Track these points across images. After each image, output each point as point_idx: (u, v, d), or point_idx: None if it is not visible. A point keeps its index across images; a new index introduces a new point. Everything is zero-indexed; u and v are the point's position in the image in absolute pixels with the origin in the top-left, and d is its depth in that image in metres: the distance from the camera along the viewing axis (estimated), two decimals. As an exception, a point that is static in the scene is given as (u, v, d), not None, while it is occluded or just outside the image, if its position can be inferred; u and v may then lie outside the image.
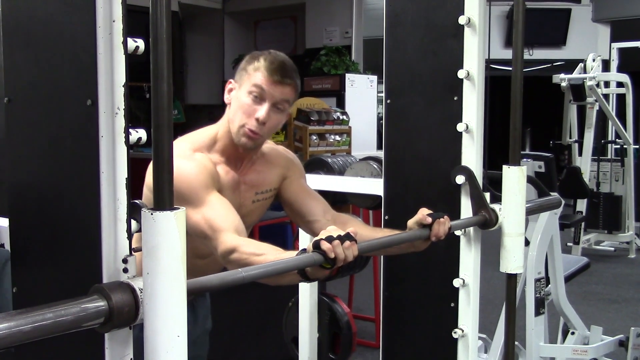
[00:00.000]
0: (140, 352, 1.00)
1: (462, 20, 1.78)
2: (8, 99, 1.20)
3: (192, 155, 1.65)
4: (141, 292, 0.99)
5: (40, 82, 1.16)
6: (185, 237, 0.97)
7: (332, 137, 6.99)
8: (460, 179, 1.80)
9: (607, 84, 6.82)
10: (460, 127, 1.81)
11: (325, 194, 1.93)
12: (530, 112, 3.68)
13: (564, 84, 6.31)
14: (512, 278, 1.85)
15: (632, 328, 3.05)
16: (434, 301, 1.91)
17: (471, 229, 1.82)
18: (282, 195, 1.85)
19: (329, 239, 1.31)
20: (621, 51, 7.14)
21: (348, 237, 1.33)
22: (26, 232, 1.22)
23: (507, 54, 2.13)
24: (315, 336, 2.67)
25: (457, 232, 1.82)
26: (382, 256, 2.01)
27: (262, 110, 1.66)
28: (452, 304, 1.86)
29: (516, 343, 2.38)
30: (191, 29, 10.26)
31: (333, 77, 8.31)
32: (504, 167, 1.79)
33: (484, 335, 2.96)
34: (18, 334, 0.88)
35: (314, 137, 6.77)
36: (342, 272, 2.90)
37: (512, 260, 1.80)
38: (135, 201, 1.07)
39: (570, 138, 6.72)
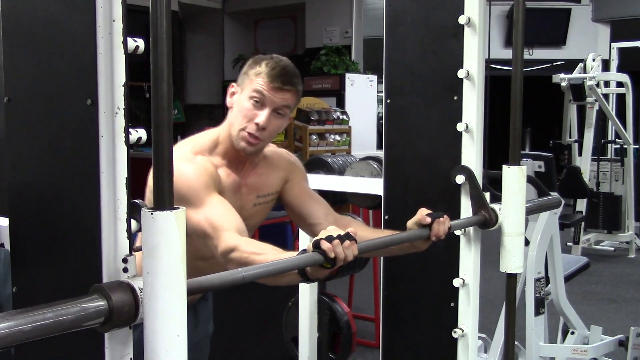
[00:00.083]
0: (140, 352, 1.00)
1: (462, 20, 1.78)
2: (8, 98, 1.20)
3: (193, 158, 1.66)
4: (141, 292, 0.99)
5: (40, 81, 1.16)
6: (185, 237, 0.97)
7: (332, 136, 6.99)
8: (460, 179, 1.80)
9: (607, 84, 6.82)
10: (460, 126, 1.81)
11: (325, 194, 1.93)
12: (530, 112, 3.68)
13: (563, 83, 6.31)
14: (512, 278, 1.85)
15: (632, 328, 3.05)
16: (434, 301, 1.91)
17: (471, 228, 1.82)
18: (284, 199, 1.85)
19: (329, 239, 1.31)
20: (621, 51, 7.14)
21: (348, 236, 1.33)
22: (26, 232, 1.22)
23: (507, 54, 2.13)
24: (315, 336, 2.67)
25: (457, 232, 1.82)
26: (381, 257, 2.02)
27: (262, 116, 1.66)
28: (452, 304, 1.86)
29: (516, 343, 2.38)
30: (191, 29, 10.26)
31: (333, 76, 8.32)
32: (504, 166, 1.79)
33: (483, 335, 2.97)
34: (18, 334, 0.88)
35: (314, 137, 6.77)
36: (342, 271, 2.90)
37: (512, 260, 1.80)
38: (135, 201, 1.07)
39: (570, 138, 6.72)
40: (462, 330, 1.85)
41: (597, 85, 6.19)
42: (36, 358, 1.22)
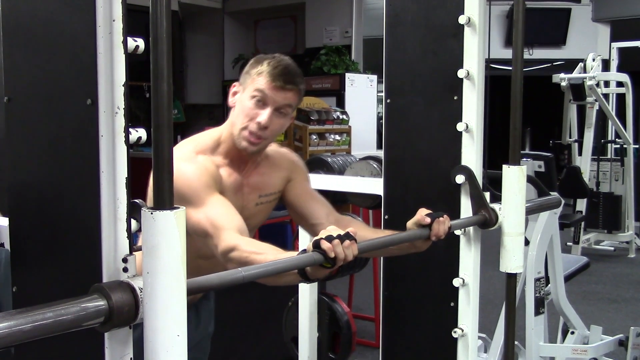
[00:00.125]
0: (140, 352, 1.00)
1: (462, 19, 1.78)
2: (8, 98, 1.20)
3: (194, 157, 1.66)
4: (141, 292, 0.99)
5: (40, 81, 1.16)
6: (185, 237, 0.97)
7: (332, 136, 6.99)
8: (460, 179, 1.80)
9: (607, 84, 6.82)
10: (460, 126, 1.81)
11: (325, 194, 1.93)
12: (530, 111, 3.68)
13: (563, 83, 6.31)
14: (511, 277, 1.85)
15: (632, 327, 3.05)
16: (434, 301, 1.91)
17: (471, 228, 1.82)
18: (285, 198, 1.85)
19: (329, 239, 1.31)
20: (621, 51, 7.14)
21: (348, 236, 1.33)
22: (26, 231, 1.22)
23: (507, 54, 2.13)
24: (315, 336, 2.67)
25: (457, 232, 1.82)
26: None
27: (264, 115, 1.66)
28: (452, 304, 1.86)
29: (516, 343, 2.38)
30: (191, 29, 10.26)
31: (333, 76, 8.31)
32: (504, 166, 1.79)
33: (483, 335, 2.97)
34: (18, 334, 0.88)
35: (314, 137, 6.77)
36: (342, 271, 2.90)
37: (511, 260, 1.80)
38: (135, 200, 1.07)
39: (570, 138, 6.72)
40: (462, 330, 1.85)
41: (597, 85, 6.19)
42: (36, 358, 1.22)
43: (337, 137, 7.04)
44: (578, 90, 6.22)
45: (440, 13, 1.84)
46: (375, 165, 2.50)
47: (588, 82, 6.11)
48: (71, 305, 0.94)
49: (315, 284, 2.67)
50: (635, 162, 6.89)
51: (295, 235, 3.04)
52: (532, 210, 2.34)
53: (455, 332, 1.85)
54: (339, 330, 2.78)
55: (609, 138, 7.05)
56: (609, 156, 6.96)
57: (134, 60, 1.08)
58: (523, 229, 1.82)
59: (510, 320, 1.88)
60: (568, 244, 6.25)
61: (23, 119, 1.20)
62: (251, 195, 1.78)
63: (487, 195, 1.81)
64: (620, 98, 6.90)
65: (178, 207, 0.96)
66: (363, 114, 7.93)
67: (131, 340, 1.06)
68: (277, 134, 1.72)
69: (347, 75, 8.16)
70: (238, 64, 9.53)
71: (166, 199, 0.96)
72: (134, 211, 1.07)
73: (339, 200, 2.73)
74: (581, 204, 6.42)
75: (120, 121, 1.05)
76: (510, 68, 1.78)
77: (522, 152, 2.09)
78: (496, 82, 2.72)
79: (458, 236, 1.84)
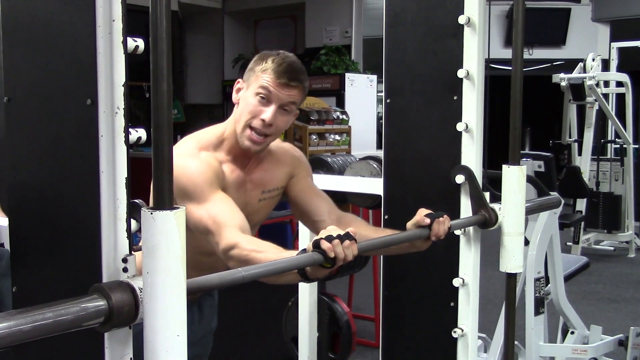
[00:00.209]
0: (141, 352, 1.00)
1: (461, 19, 1.78)
2: (8, 98, 1.20)
3: (197, 153, 1.66)
4: (141, 292, 0.99)
5: (40, 81, 1.16)
6: (185, 237, 0.97)
7: (332, 136, 7.00)
8: (460, 179, 1.80)
9: (606, 84, 6.82)
10: (460, 126, 1.81)
11: (325, 194, 1.93)
12: (530, 111, 3.68)
13: (563, 83, 6.31)
14: (511, 277, 1.85)
15: (632, 327, 3.05)
16: (434, 301, 1.91)
17: (471, 228, 1.82)
18: (288, 194, 1.85)
19: (329, 239, 1.31)
20: (621, 51, 7.14)
21: (348, 236, 1.33)
22: (26, 231, 1.22)
23: (507, 54, 2.13)
24: (315, 335, 2.68)
25: (457, 232, 1.82)
26: (381, 256, 2.02)
27: (268, 112, 1.66)
28: (452, 304, 1.86)
29: (516, 342, 2.38)
30: (191, 29, 10.26)
31: (333, 76, 8.32)
32: (504, 166, 1.79)
33: (483, 335, 2.97)
34: (18, 334, 0.88)
35: (314, 137, 6.77)
36: (342, 271, 2.90)
37: (511, 260, 1.81)
38: (135, 200, 1.07)
39: (570, 137, 6.72)
40: (462, 330, 1.85)
41: (597, 85, 6.19)
42: (36, 358, 1.22)
43: (337, 137, 7.05)
44: (578, 90, 6.22)
45: (440, 13, 1.84)
46: (375, 165, 2.50)
47: (588, 82, 6.11)
48: (71, 305, 0.94)
49: (315, 284, 2.67)
50: (635, 162, 6.89)
51: (295, 235, 3.04)
52: (532, 210, 2.34)
53: (455, 332, 1.85)
54: (339, 330, 2.78)
55: (609, 138, 7.05)
56: (608, 156, 6.96)
57: (133, 60, 1.08)
58: (523, 229, 1.82)
59: (510, 320, 1.88)
60: (568, 243, 6.25)
61: (23, 119, 1.20)
62: (254, 191, 1.78)
63: (487, 195, 1.81)
64: (620, 98, 6.90)
65: (178, 207, 0.96)
66: (363, 114, 7.93)
67: (131, 341, 1.06)
68: (281, 131, 1.72)
69: (347, 75, 8.17)
70: (238, 64, 9.54)
71: (166, 199, 0.96)
72: (133, 211, 1.07)
73: (339, 200, 2.73)
74: (581, 204, 6.43)
75: (120, 121, 1.05)
76: (510, 68, 1.78)
77: (522, 152, 2.09)
78: (496, 82, 2.72)
79: (458, 236, 1.84)
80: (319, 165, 2.70)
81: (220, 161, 1.70)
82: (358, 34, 9.28)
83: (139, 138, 1.10)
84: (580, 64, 6.35)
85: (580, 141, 6.62)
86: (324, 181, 2.48)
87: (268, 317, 3.29)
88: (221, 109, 9.93)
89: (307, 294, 2.65)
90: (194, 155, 1.64)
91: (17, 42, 1.18)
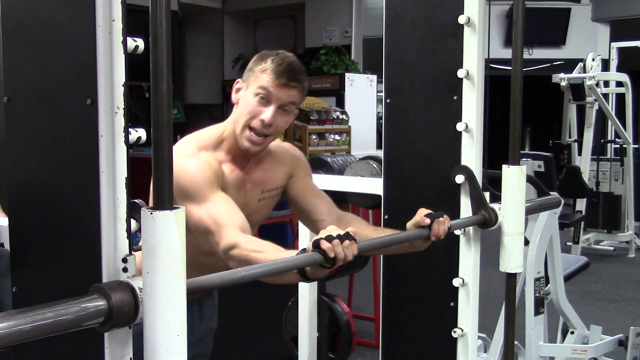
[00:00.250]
0: (140, 352, 1.00)
1: (461, 19, 1.78)
2: (8, 98, 1.20)
3: (197, 153, 1.66)
4: (141, 292, 0.99)
5: (40, 81, 1.16)
6: (185, 237, 0.97)
7: (332, 136, 6.99)
8: (459, 179, 1.80)
9: (606, 84, 6.82)
10: (459, 126, 1.81)
11: (324, 193, 1.93)
12: (529, 111, 3.68)
13: (563, 83, 6.31)
14: (511, 277, 1.85)
15: (632, 327, 3.05)
16: (434, 301, 1.91)
17: (471, 228, 1.82)
18: (288, 194, 1.85)
19: (329, 238, 1.31)
20: (621, 51, 7.14)
21: (347, 236, 1.33)
22: (26, 231, 1.22)
23: (507, 54, 2.13)
24: (315, 335, 2.68)
25: (457, 232, 1.82)
26: (381, 255, 2.02)
27: (267, 113, 1.66)
28: (452, 304, 1.86)
29: (516, 342, 2.38)
30: (191, 29, 10.26)
31: (333, 76, 8.32)
32: (504, 166, 1.79)
33: (483, 335, 2.97)
34: (18, 334, 0.88)
35: (314, 137, 6.77)
36: (342, 271, 2.90)
37: (511, 260, 1.81)
38: (135, 200, 1.07)
39: (570, 137, 6.72)
40: (462, 330, 1.85)
41: (597, 84, 6.19)
42: (36, 358, 1.22)
43: (337, 137, 7.04)
44: (578, 90, 6.22)
45: (440, 13, 1.84)
46: (375, 165, 2.50)
47: (588, 82, 6.11)
48: (71, 305, 0.94)
49: (315, 284, 2.67)
50: (635, 162, 6.89)
51: (295, 235, 3.04)
52: (531, 210, 2.33)
53: (455, 332, 1.85)
54: (339, 330, 2.78)
55: (609, 138, 7.05)
56: (608, 156, 6.96)
57: (133, 60, 1.08)
58: (523, 229, 1.82)
59: (510, 320, 1.88)
60: (568, 243, 6.25)
61: (23, 119, 1.20)
62: (254, 191, 1.78)
63: (487, 195, 1.81)
64: (620, 98, 6.90)
65: (178, 207, 0.96)
66: (363, 114, 7.93)
67: (131, 340, 1.06)
68: (280, 131, 1.72)
69: (347, 75, 8.17)
70: (238, 63, 9.54)
71: (166, 199, 0.96)
72: (133, 211, 1.07)
73: (339, 200, 2.73)
74: (581, 204, 6.43)
75: (120, 121, 1.05)
76: (510, 68, 1.78)
77: (521, 152, 2.09)
78: (496, 82, 2.72)
79: (458, 236, 1.84)
80: (319, 165, 2.70)
81: (220, 161, 1.70)
82: (358, 34, 9.28)
83: (139, 138, 1.10)
84: (580, 64, 6.35)
85: (580, 141, 6.62)
86: (324, 181, 2.48)
87: (268, 317, 3.29)
88: (221, 109, 9.93)
89: (307, 294, 2.65)
90: (193, 155, 1.64)
91: (17, 42, 1.18)
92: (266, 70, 1.66)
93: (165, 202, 0.95)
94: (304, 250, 1.33)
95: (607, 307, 4.90)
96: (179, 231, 0.96)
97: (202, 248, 1.62)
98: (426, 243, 1.64)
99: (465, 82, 1.80)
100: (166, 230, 0.95)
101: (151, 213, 0.95)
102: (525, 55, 2.41)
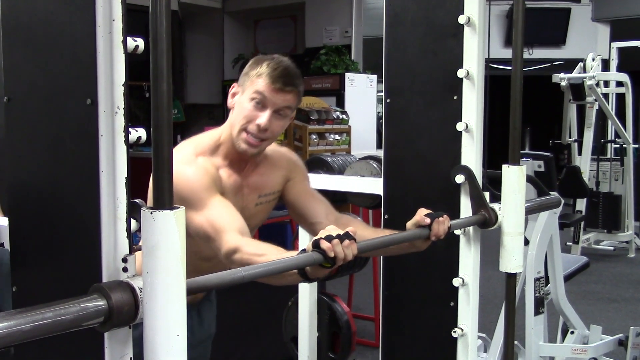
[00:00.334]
0: (141, 351, 1.00)
1: (461, 19, 1.78)
2: (8, 98, 1.20)
3: (194, 159, 1.66)
4: (141, 291, 0.99)
5: (40, 81, 1.16)
6: (185, 237, 0.97)
7: (332, 136, 6.99)
8: (459, 179, 1.80)
9: (606, 84, 6.82)
10: (459, 126, 1.81)
11: (324, 193, 1.93)
12: (530, 111, 3.68)
13: (563, 83, 6.31)
14: (511, 277, 1.85)
15: (632, 327, 3.05)
16: (434, 300, 1.91)
17: (471, 228, 1.82)
18: (285, 197, 1.86)
19: (328, 238, 1.31)
20: (621, 50, 7.14)
21: (347, 235, 1.33)
22: (26, 231, 1.22)
23: (507, 54, 2.13)
24: (315, 335, 2.67)
25: (457, 232, 1.82)
26: (381, 256, 2.02)
27: (263, 117, 1.66)
28: (452, 304, 1.86)
29: (516, 342, 2.38)
30: (191, 28, 10.26)
31: (333, 76, 8.32)
32: (504, 166, 1.79)
33: (483, 335, 2.97)
34: (18, 333, 0.88)
35: (314, 137, 6.77)
36: (342, 271, 2.90)
37: (511, 260, 1.81)
38: (135, 200, 1.07)
39: (570, 137, 6.72)
40: (462, 330, 1.85)
41: (597, 84, 6.19)
42: (36, 358, 1.22)
43: (337, 137, 7.04)
44: (578, 90, 6.22)
45: (440, 13, 1.84)
46: (375, 165, 2.50)
47: (588, 82, 6.11)
48: (71, 305, 0.94)
49: (315, 284, 2.67)
50: (635, 162, 6.89)
51: (295, 235, 3.04)
52: (531, 210, 2.34)
53: (455, 331, 1.85)
54: (339, 330, 2.78)
55: (609, 138, 7.05)
56: (608, 156, 6.96)
57: (133, 60, 1.08)
58: (523, 229, 1.82)
59: (510, 320, 1.88)
60: (568, 243, 6.25)
61: (23, 119, 1.20)
62: (251, 195, 1.78)
63: (487, 195, 1.81)
64: (620, 98, 6.90)
65: (178, 207, 0.96)
66: (363, 114, 7.93)
67: (131, 340, 1.06)
68: (276, 135, 1.72)
69: (347, 75, 8.17)
70: (238, 63, 9.54)
71: (166, 199, 0.96)
72: (133, 211, 1.07)
73: (339, 200, 2.73)
74: (581, 204, 6.43)
75: (120, 121, 1.05)
76: (510, 68, 1.78)
77: (521, 151, 2.09)
78: (496, 82, 2.72)
79: (458, 236, 1.84)
80: (319, 165, 2.70)
81: (217, 166, 1.70)
82: (358, 34, 9.29)
83: (139, 138, 1.10)
84: (580, 64, 6.34)
85: (580, 141, 6.62)
86: (324, 181, 2.47)
87: (268, 317, 3.29)
88: (221, 109, 9.93)
89: (307, 294, 2.65)
90: (191, 162, 1.64)
91: (17, 42, 1.18)
92: (262, 74, 1.66)
93: (165, 202, 0.95)
94: (304, 250, 1.33)
95: (607, 307, 4.90)
96: (179, 231, 0.96)
97: (201, 253, 1.62)
98: (426, 243, 1.65)
99: (465, 82, 1.80)
100: (166, 230, 0.95)
101: (151, 213, 0.95)
102: (525, 55, 2.41)
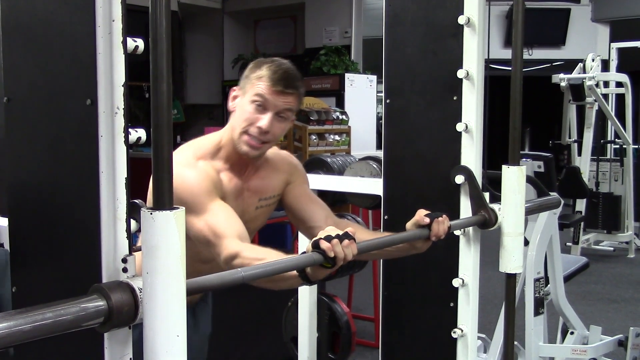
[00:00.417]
0: (140, 352, 1.00)
1: (461, 20, 1.78)
2: (8, 98, 1.20)
3: (195, 163, 1.66)
4: (140, 292, 0.99)
5: (40, 81, 1.16)
6: (184, 237, 0.97)
7: (332, 136, 6.99)
8: (459, 179, 1.80)
9: (606, 84, 6.82)
10: (459, 126, 1.81)
11: (324, 194, 1.94)
12: (529, 111, 3.68)
13: (563, 83, 6.31)
14: (511, 278, 1.85)
15: (631, 328, 3.05)
16: (434, 301, 1.91)
17: (470, 228, 1.82)
18: (284, 201, 1.86)
19: (328, 238, 1.31)
20: (620, 51, 7.14)
21: (347, 235, 1.33)
22: (26, 232, 1.22)
23: (507, 54, 2.13)
24: (315, 336, 2.67)
25: (457, 232, 1.82)
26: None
27: (264, 120, 1.66)
28: (452, 304, 1.86)
29: (515, 343, 2.38)
30: (191, 29, 10.27)
31: (332, 76, 8.32)
32: (504, 166, 1.79)
33: (483, 335, 2.97)
34: (18, 334, 0.88)
35: (314, 137, 6.77)
36: (342, 271, 2.90)
37: (511, 260, 1.80)
38: (135, 201, 1.07)
39: (570, 138, 6.72)
40: (462, 330, 1.85)
41: (597, 85, 6.19)
42: (36, 358, 1.22)
43: (337, 138, 7.04)
44: (577, 90, 6.22)
45: (440, 13, 1.84)
46: (374, 166, 2.50)
47: (587, 83, 6.11)
48: (71, 306, 0.94)
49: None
50: (635, 162, 6.89)
51: (295, 236, 3.04)
52: (531, 211, 2.33)
53: (454, 332, 1.85)
54: (339, 331, 2.78)
55: (609, 138, 7.05)
56: (608, 156, 6.96)
57: (133, 60, 1.08)
58: (522, 229, 1.82)
59: (509, 321, 1.88)
60: (567, 244, 6.25)
61: (23, 119, 1.20)
62: (251, 199, 1.78)
63: (487, 195, 1.81)
64: (620, 98, 6.90)
65: (177, 208, 0.96)
66: (363, 114, 7.93)
67: (131, 341, 1.06)
68: (278, 138, 1.72)
69: (347, 75, 8.17)
70: (238, 64, 9.54)
71: (166, 199, 0.96)
72: (133, 211, 1.07)
73: (339, 201, 2.73)
74: (581, 204, 6.43)
75: (120, 121, 1.05)
76: (510, 68, 1.78)
77: (521, 152, 2.09)
78: (496, 82, 2.72)
79: (458, 236, 1.84)
80: (319, 165, 2.70)
81: (218, 170, 1.70)
82: (358, 34, 9.29)
83: (139, 138, 1.10)
84: (580, 65, 6.35)
85: (580, 141, 6.62)
86: (324, 181, 2.48)
87: (268, 317, 3.29)
88: (221, 109, 9.93)
89: (307, 294, 2.65)
90: (191, 165, 1.64)
91: (17, 42, 1.18)
92: (262, 77, 1.67)
93: (165, 202, 0.95)
94: (305, 252, 1.33)
95: (606, 308, 4.90)
96: (179, 231, 0.96)
97: (200, 255, 1.62)
98: (426, 244, 1.64)
99: (465, 83, 1.80)
100: (166, 230, 0.95)
101: (151, 213, 0.95)
102: (525, 56, 2.41)
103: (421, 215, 1.61)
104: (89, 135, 1.06)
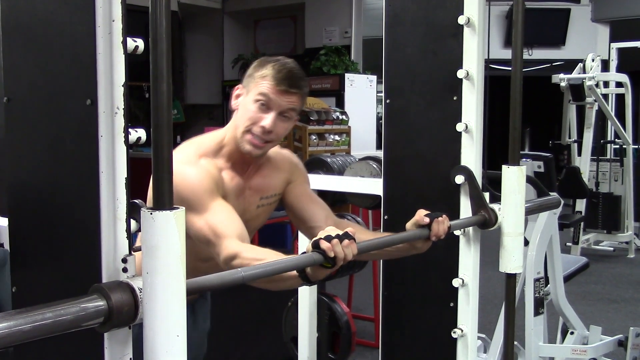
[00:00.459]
0: (140, 352, 1.00)
1: (461, 20, 1.78)
2: (8, 98, 1.20)
3: (197, 161, 1.65)
4: (140, 292, 0.99)
5: (40, 81, 1.16)
6: (184, 237, 0.97)
7: (332, 136, 6.99)
8: (459, 179, 1.80)
9: (606, 84, 6.82)
10: (459, 127, 1.81)
11: (324, 194, 1.94)
12: (529, 112, 3.68)
13: (563, 83, 6.31)
14: (511, 278, 1.85)
15: (631, 328, 3.05)
16: (434, 301, 1.91)
17: (470, 228, 1.82)
18: (285, 200, 1.86)
19: (328, 238, 1.31)
20: (620, 51, 7.14)
21: (346, 235, 1.33)
22: (25, 231, 1.22)
23: (507, 54, 2.13)
24: (315, 336, 2.67)
25: (457, 232, 1.82)
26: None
27: (268, 119, 1.66)
28: (452, 304, 1.86)
29: (515, 343, 2.38)
30: (191, 29, 10.27)
31: (332, 76, 8.32)
32: (504, 166, 1.79)
33: (483, 335, 2.97)
34: (18, 334, 0.88)
35: (314, 137, 6.77)
36: (342, 271, 2.90)
37: (511, 260, 1.80)
38: (135, 201, 1.07)
39: (570, 138, 6.72)
40: (462, 331, 1.85)
41: (597, 85, 6.19)
42: (36, 358, 1.22)
43: (337, 138, 7.04)
44: (577, 90, 6.22)
45: (440, 13, 1.84)
46: (374, 166, 2.50)
47: (587, 83, 6.11)
48: (71, 306, 0.94)
49: (314, 284, 2.67)
50: (635, 163, 6.89)
51: (295, 236, 3.04)
52: (531, 211, 2.33)
53: (454, 332, 1.85)
54: (339, 331, 2.78)
55: (609, 138, 7.05)
56: (608, 156, 6.96)
57: (133, 61, 1.08)
58: (522, 229, 1.82)
59: (509, 321, 1.88)
60: (567, 244, 6.25)
61: (23, 119, 1.20)
62: (253, 197, 1.78)
63: (487, 195, 1.81)
64: (620, 98, 6.90)
65: (177, 208, 0.96)
66: (363, 114, 7.93)
67: (130, 341, 1.06)
68: (281, 137, 1.72)
69: (347, 75, 8.17)
70: (238, 64, 9.54)
71: (166, 199, 0.96)
72: (133, 211, 1.07)
73: (339, 201, 2.73)
74: (580, 204, 6.43)
75: (120, 121, 1.05)
76: (510, 68, 1.78)
77: (521, 152, 2.09)
78: (496, 83, 2.72)
79: (458, 236, 1.84)
80: (319, 165, 2.70)
81: (220, 168, 1.69)
82: (358, 34, 9.29)
83: (139, 138, 1.10)
84: (580, 65, 6.35)
85: (579, 141, 6.62)
86: (324, 181, 2.48)
87: (268, 317, 3.29)
88: (221, 109, 9.94)
89: (307, 294, 2.65)
90: (193, 163, 1.64)
91: (17, 42, 1.18)
92: (266, 76, 1.66)
93: (165, 202, 0.95)
94: (304, 253, 1.33)
95: (606, 308, 4.90)
96: (179, 231, 0.96)
97: (200, 254, 1.62)
98: (427, 244, 1.64)
99: (465, 83, 1.80)
100: (166, 230, 0.95)
101: (151, 213, 0.95)
102: (525, 56, 2.41)
103: (421, 215, 1.61)
104: (89, 135, 1.06)
